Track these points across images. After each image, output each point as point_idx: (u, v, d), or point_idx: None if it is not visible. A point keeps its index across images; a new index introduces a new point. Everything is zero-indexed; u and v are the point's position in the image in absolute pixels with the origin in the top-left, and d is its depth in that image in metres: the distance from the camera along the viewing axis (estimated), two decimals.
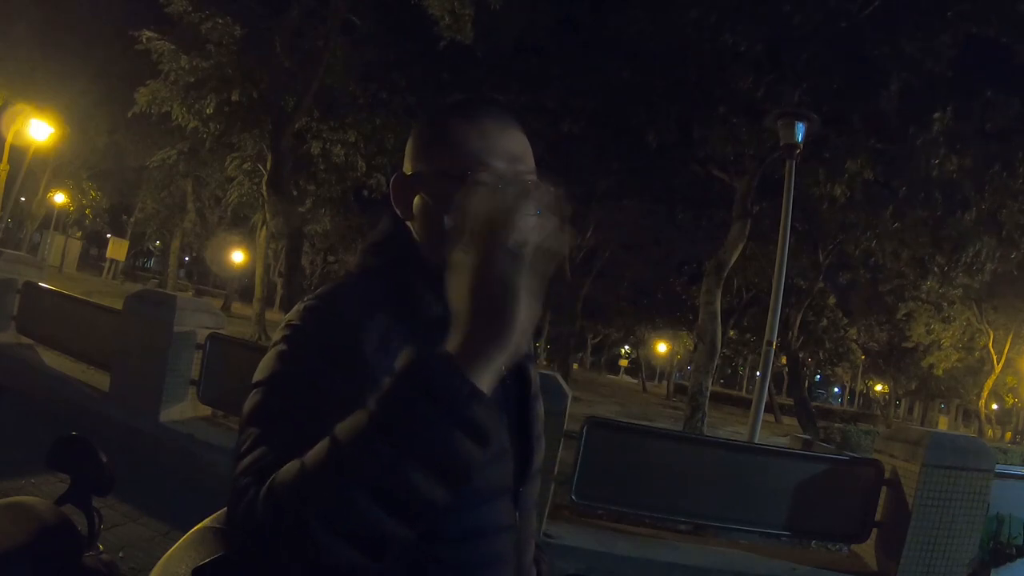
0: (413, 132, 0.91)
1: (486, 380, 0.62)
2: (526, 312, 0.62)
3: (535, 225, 0.64)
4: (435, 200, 0.84)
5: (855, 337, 29.40)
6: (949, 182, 10.53)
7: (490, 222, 0.63)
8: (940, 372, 25.62)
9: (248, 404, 0.78)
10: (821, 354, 30.60)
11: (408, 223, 0.89)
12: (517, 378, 0.94)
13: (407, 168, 0.89)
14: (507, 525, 0.84)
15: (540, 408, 0.98)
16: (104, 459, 1.25)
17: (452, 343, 0.63)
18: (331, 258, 32.20)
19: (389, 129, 13.99)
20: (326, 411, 0.73)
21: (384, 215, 0.93)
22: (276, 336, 0.82)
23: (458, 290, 0.64)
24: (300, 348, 0.78)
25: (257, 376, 0.79)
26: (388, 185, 0.91)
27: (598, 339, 47.33)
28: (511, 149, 0.85)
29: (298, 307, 0.82)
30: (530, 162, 0.87)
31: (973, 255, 12.05)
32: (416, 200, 0.86)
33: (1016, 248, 12.23)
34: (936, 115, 9.44)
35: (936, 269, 13.94)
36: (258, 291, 17.70)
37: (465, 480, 0.62)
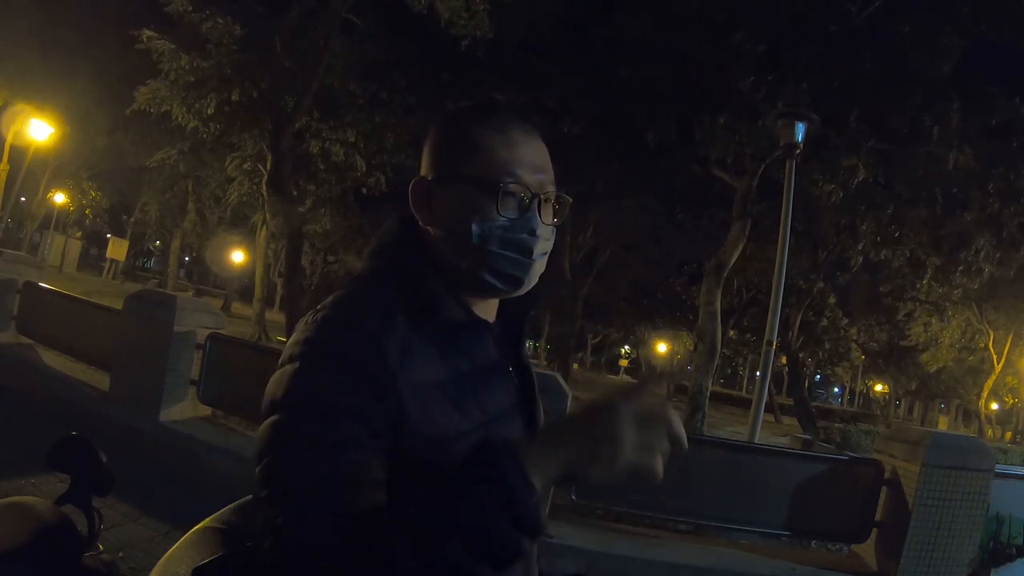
0: (432, 136, 0.89)
1: (543, 481, 0.68)
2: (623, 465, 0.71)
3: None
4: (465, 206, 0.83)
5: (855, 337, 29.35)
6: (950, 181, 10.51)
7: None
8: (932, 368, 25.64)
9: (269, 429, 0.73)
10: (821, 354, 30.53)
11: (427, 227, 0.87)
12: (523, 380, 0.95)
13: (427, 173, 0.87)
14: None
15: (540, 410, 1.00)
16: (104, 459, 1.25)
17: (545, 446, 0.70)
18: (331, 258, 32.17)
19: (389, 128, 13.99)
20: (356, 432, 0.71)
21: (389, 217, 0.92)
22: (291, 351, 0.76)
23: (582, 425, 0.71)
24: (321, 364, 0.73)
25: (274, 395, 0.74)
26: (408, 189, 0.88)
27: (598, 339, 47.38)
28: (536, 160, 0.85)
29: (309, 319, 0.78)
30: (551, 173, 0.87)
31: (972, 255, 12.03)
32: (442, 205, 0.85)
33: (1017, 249, 12.21)
34: (951, 111, 9.40)
35: (930, 269, 13.91)
36: (258, 291, 17.75)
37: (510, 564, 0.66)
